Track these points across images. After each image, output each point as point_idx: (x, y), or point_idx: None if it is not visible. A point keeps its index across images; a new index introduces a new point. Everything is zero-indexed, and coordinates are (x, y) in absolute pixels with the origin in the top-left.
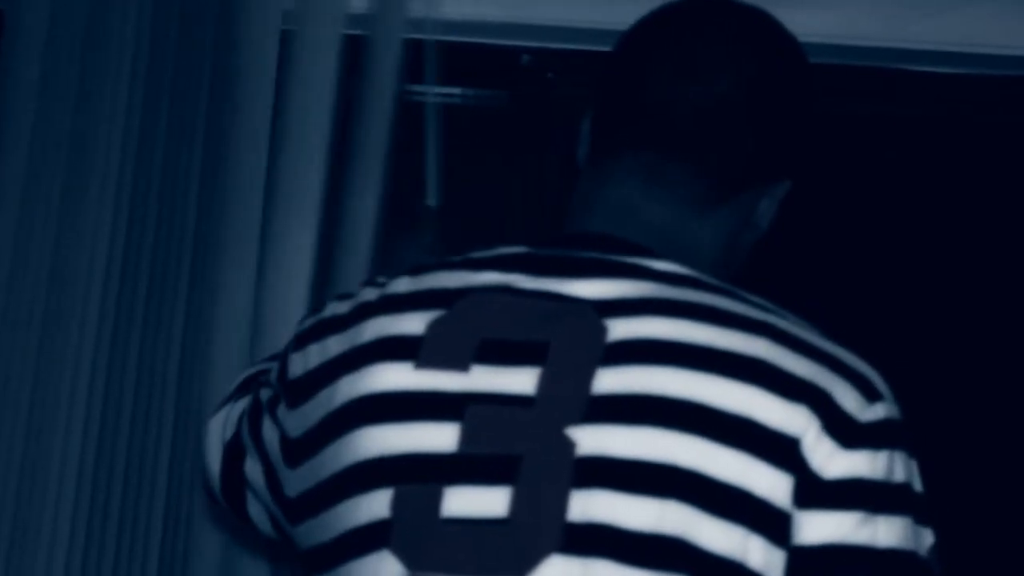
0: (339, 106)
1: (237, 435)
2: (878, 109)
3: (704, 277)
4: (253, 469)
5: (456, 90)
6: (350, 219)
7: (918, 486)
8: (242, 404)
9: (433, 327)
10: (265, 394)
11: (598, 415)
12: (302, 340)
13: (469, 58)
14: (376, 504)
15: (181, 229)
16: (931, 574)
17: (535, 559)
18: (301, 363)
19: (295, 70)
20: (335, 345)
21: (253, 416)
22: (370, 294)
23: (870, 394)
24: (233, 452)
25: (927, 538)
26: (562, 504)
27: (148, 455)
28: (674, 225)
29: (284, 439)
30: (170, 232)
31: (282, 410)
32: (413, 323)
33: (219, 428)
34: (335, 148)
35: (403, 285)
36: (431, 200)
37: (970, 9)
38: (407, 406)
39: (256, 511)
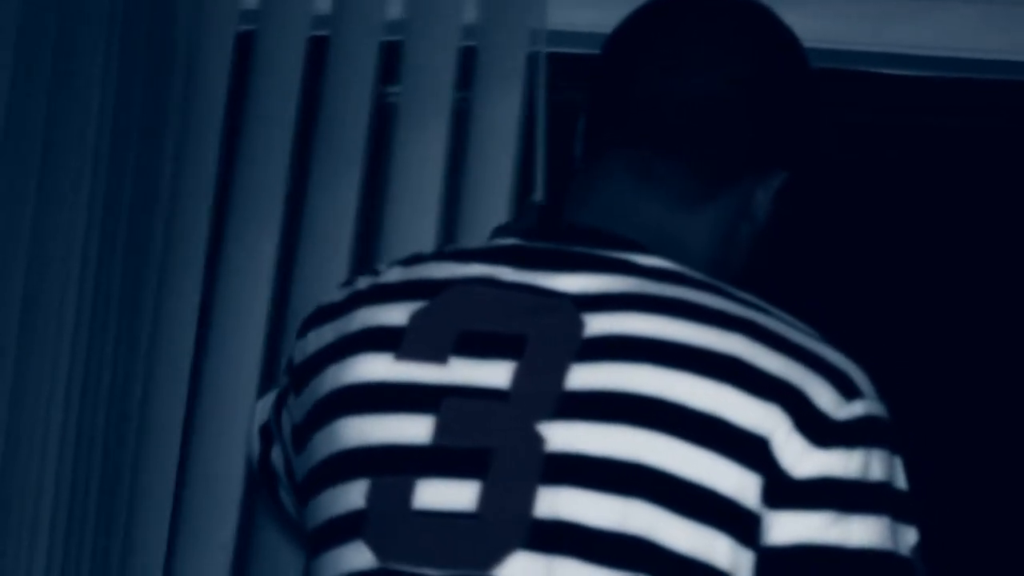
0: (303, 109)
1: (268, 420)
2: (851, 113)
3: (691, 272)
4: (277, 454)
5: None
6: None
7: (900, 484)
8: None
9: (415, 318)
10: (284, 381)
11: (569, 411)
12: (304, 328)
13: None
14: (353, 494)
15: (150, 232)
16: (912, 573)
17: (500, 555)
18: (301, 351)
19: (259, 72)
20: (328, 333)
21: (277, 402)
22: (364, 283)
23: (848, 391)
24: (266, 437)
25: (909, 537)
26: (529, 500)
27: (125, 453)
28: (667, 221)
29: (293, 426)
30: (140, 235)
31: (291, 397)
32: (397, 314)
33: (259, 412)
34: (301, 152)
35: (394, 275)
36: (538, 196)
37: (943, 14)
38: (385, 397)
39: (284, 495)
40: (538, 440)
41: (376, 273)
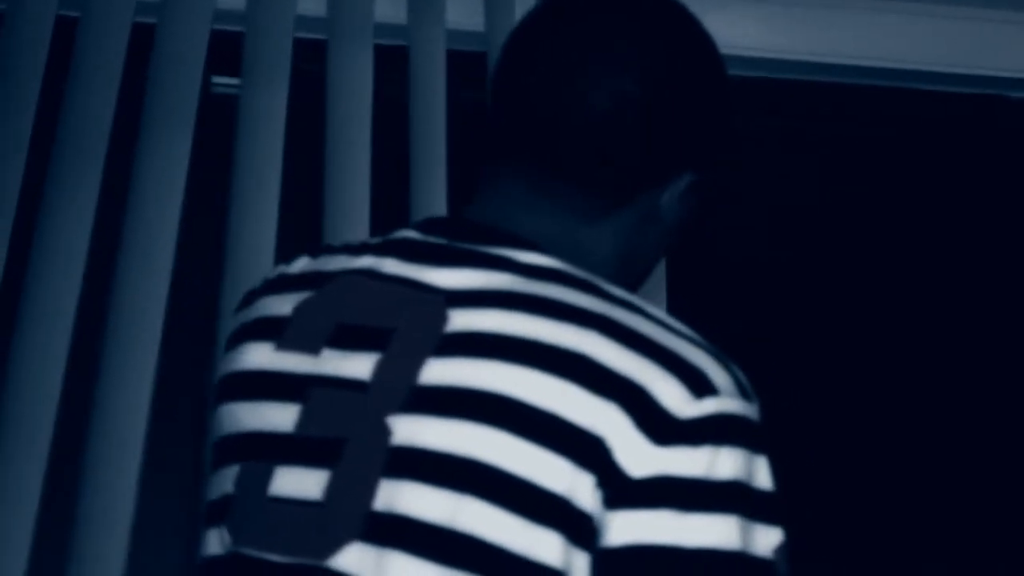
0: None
1: None
2: None
3: (572, 271)
4: None
5: None
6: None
7: (760, 484)
8: None
9: (299, 309)
10: None
11: (417, 405)
12: (234, 314)
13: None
14: (226, 480)
15: None
16: (769, 575)
17: (336, 545)
18: (225, 337)
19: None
20: (238, 320)
21: None
22: (275, 272)
23: (699, 388)
24: None
25: (768, 538)
26: (370, 492)
27: None
28: (564, 233)
29: None
30: None
31: None
32: (286, 304)
33: None
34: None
35: (298, 266)
36: None
37: (718, 14)
38: (261, 385)
39: None
40: (386, 432)
41: (287, 263)
